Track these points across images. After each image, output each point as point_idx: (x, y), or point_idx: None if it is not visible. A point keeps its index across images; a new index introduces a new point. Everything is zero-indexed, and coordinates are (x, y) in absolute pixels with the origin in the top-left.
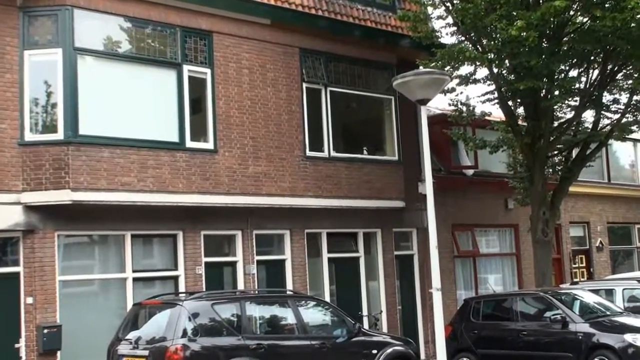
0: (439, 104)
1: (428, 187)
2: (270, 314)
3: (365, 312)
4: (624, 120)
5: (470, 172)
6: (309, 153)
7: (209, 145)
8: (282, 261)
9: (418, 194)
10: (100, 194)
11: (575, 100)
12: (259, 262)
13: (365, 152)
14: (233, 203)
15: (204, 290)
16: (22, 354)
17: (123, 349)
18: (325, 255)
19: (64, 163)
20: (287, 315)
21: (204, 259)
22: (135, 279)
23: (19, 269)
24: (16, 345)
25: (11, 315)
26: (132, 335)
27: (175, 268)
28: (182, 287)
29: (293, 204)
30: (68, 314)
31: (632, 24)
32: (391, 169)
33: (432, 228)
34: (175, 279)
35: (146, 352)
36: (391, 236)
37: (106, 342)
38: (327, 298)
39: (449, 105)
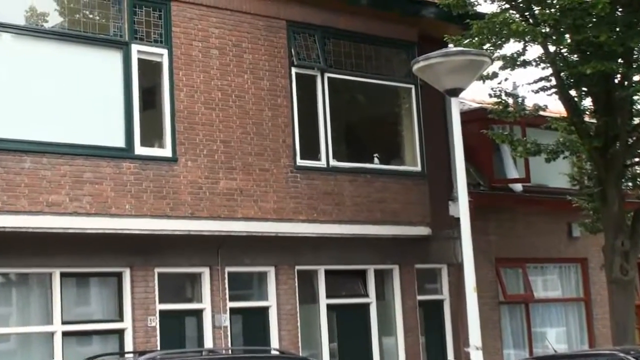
0: (476, 95)
1: (462, 208)
2: None
3: None
4: None
5: (520, 187)
6: (300, 162)
7: (166, 152)
8: (265, 309)
9: (449, 218)
10: (20, 217)
11: None
12: (233, 310)
13: (376, 160)
14: (198, 230)
15: (159, 349)
16: None
17: None
18: (324, 302)
19: None
20: None
21: (159, 307)
22: (65, 334)
23: None
24: None
25: None
26: None
27: (120, 318)
28: (129, 345)
29: (279, 230)
30: None
31: None
32: (412, 183)
33: (469, 264)
34: (121, 333)
35: None
36: (413, 275)
37: None
38: None
39: (490, 96)
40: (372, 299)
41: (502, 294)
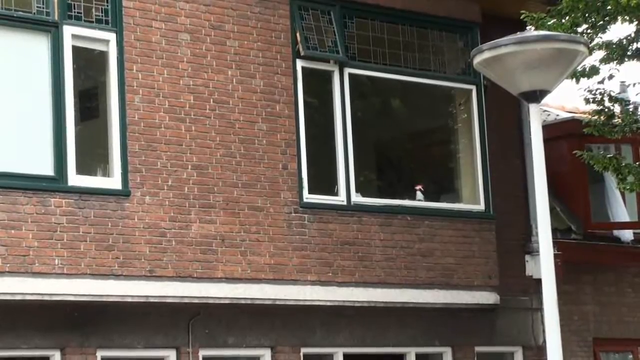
0: (567, 100)
1: (546, 266)
2: None
3: None
4: None
5: (630, 235)
6: (308, 198)
7: (114, 182)
8: None
9: (526, 279)
10: None
11: None
12: None
13: (420, 196)
14: (160, 296)
15: None
16: None
17: None
18: None
19: None
20: None
21: None
22: None
23: None
24: None
25: None
26: None
27: None
28: None
29: (278, 297)
30: None
31: None
32: (472, 229)
33: (555, 347)
34: None
35: None
36: None
37: None
38: None
39: (586, 102)
40: None
41: None
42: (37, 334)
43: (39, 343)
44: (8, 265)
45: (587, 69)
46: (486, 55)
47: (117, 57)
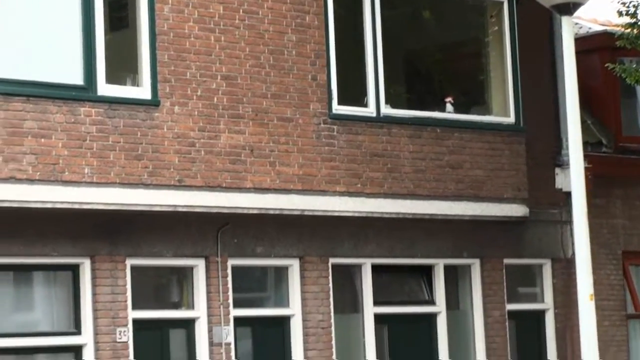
0: (599, 12)
1: (576, 179)
2: None
3: None
4: None
5: None
6: (338, 109)
7: (143, 92)
8: (285, 320)
9: (555, 192)
10: None
11: None
12: (238, 320)
13: (450, 108)
14: (189, 205)
15: None
16: None
17: None
18: (370, 310)
19: None
20: None
21: (133, 314)
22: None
23: None
24: None
25: None
26: None
27: (77, 330)
28: None
29: (307, 207)
30: None
31: None
32: (502, 141)
33: (584, 260)
34: (77, 351)
35: None
36: (501, 274)
37: None
38: None
39: (619, 14)
40: (440, 307)
41: (632, 304)
42: (67, 242)
43: (69, 251)
44: (38, 173)
45: None
46: None
47: None
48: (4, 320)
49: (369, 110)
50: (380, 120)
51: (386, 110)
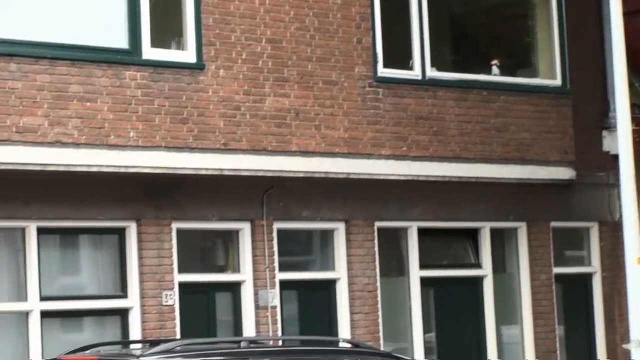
0: None
1: (623, 141)
2: None
3: None
4: None
5: None
6: (383, 72)
7: (188, 55)
8: (331, 283)
9: (602, 155)
10: None
11: None
12: (284, 284)
13: (496, 70)
14: (234, 169)
15: (179, 337)
16: None
17: None
18: (416, 274)
19: None
20: None
21: (179, 277)
22: (45, 314)
23: None
24: None
25: None
26: None
27: (124, 294)
28: (136, 331)
29: (352, 170)
30: None
31: None
32: (549, 104)
33: (632, 222)
34: (124, 314)
35: None
36: (547, 237)
37: None
38: (421, 357)
39: None
40: (486, 270)
41: None
42: (113, 206)
43: (115, 214)
44: (84, 137)
45: None
46: None
47: None
48: (51, 284)
49: (415, 73)
50: (425, 83)
51: (432, 73)
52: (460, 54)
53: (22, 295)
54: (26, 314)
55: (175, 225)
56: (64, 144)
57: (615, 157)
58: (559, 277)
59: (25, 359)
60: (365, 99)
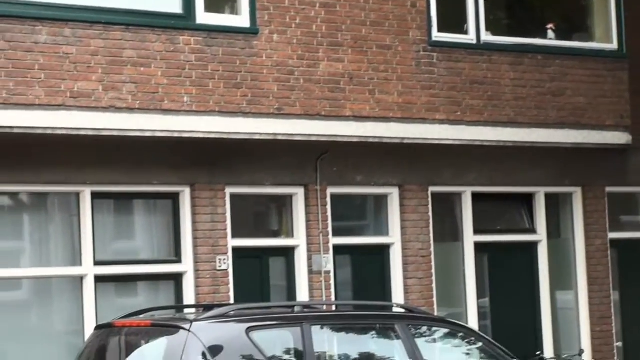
0: None
1: None
2: (360, 351)
3: (548, 352)
4: None
5: None
6: (437, 36)
7: (242, 20)
8: (384, 248)
9: None
10: (34, 114)
11: None
12: (338, 249)
13: (551, 34)
14: (288, 133)
15: (232, 301)
16: None
17: None
18: (470, 239)
19: None
20: (393, 355)
21: (232, 242)
22: (99, 278)
23: None
24: None
25: None
26: None
27: (177, 258)
28: (190, 296)
29: (407, 135)
30: None
31: None
32: (605, 68)
33: None
34: (178, 279)
35: None
36: (603, 202)
37: None
38: (475, 322)
39: None
40: (541, 235)
41: None
42: (167, 170)
43: (169, 179)
44: (138, 102)
45: None
46: None
47: None
48: (105, 249)
49: (469, 37)
50: (480, 48)
51: (487, 37)
52: (516, 18)
53: (76, 260)
54: (80, 279)
55: (228, 190)
56: (118, 109)
57: None
58: (614, 243)
59: (80, 323)
60: (419, 63)
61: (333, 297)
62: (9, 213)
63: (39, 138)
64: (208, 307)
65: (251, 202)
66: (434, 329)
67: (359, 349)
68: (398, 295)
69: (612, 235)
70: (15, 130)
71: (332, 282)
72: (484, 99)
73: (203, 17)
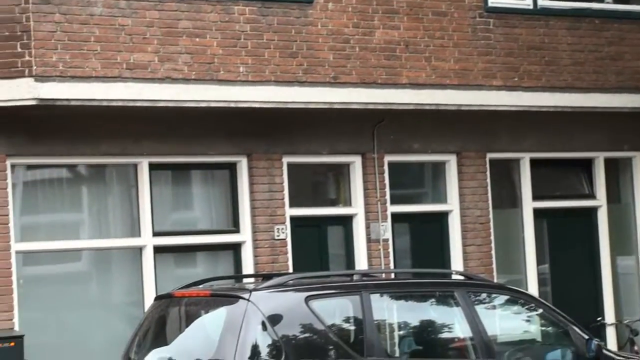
0: None
1: None
2: (419, 318)
3: (609, 318)
4: None
5: None
6: (493, 2)
7: None
8: (443, 216)
9: None
10: (90, 86)
11: None
12: (396, 217)
13: None
14: (344, 102)
15: (291, 270)
16: None
17: None
18: (529, 205)
19: (20, 27)
20: (453, 322)
21: (290, 212)
22: (158, 249)
23: None
24: None
25: None
26: (154, 357)
27: (236, 228)
28: (248, 265)
29: (463, 102)
30: (34, 315)
31: None
32: None
33: None
34: (236, 248)
35: None
36: None
37: None
38: (534, 289)
39: None
40: (600, 201)
41: None
42: (224, 141)
43: (226, 149)
44: (194, 73)
45: None
46: None
47: None
48: (163, 219)
49: (526, 3)
50: (537, 13)
51: (543, 2)
52: None
53: (135, 231)
54: (140, 250)
55: (286, 160)
56: (174, 80)
57: None
58: None
59: (140, 294)
60: (475, 29)
61: (392, 265)
62: (68, 185)
63: (95, 110)
64: (267, 277)
65: (308, 171)
66: (494, 296)
67: (418, 316)
68: (457, 263)
69: None
70: (73, 103)
71: (390, 250)
72: (542, 64)
73: None
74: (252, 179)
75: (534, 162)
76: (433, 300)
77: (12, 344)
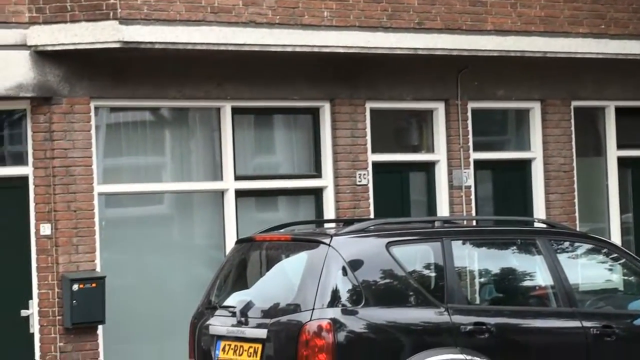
0: None
1: None
2: (501, 266)
3: None
4: None
5: None
6: None
7: None
8: (526, 163)
9: None
10: (174, 29)
11: None
12: (478, 164)
13: None
14: (428, 48)
15: (372, 216)
16: (34, 327)
17: (219, 325)
18: (613, 154)
19: None
20: (534, 270)
21: (372, 157)
22: (240, 193)
23: (26, 170)
24: (23, 313)
25: (14, 257)
26: (235, 301)
27: (317, 173)
28: (330, 210)
29: (549, 49)
30: (116, 257)
31: None
32: None
33: None
34: (318, 193)
35: (263, 334)
36: None
37: (187, 311)
38: (617, 238)
39: None
40: None
41: None
42: (307, 86)
43: (309, 94)
44: (278, 17)
45: None
46: None
47: None
48: (245, 163)
49: None
50: None
51: None
52: None
53: (217, 175)
54: (221, 193)
55: (369, 105)
56: (258, 24)
57: None
58: None
59: (221, 237)
60: None
61: (473, 212)
62: (151, 128)
63: (179, 53)
64: (348, 222)
65: (391, 117)
66: (576, 244)
67: (499, 264)
68: (539, 211)
69: None
70: (157, 46)
71: (472, 197)
72: (629, 11)
73: None
74: (334, 124)
75: (618, 111)
76: (514, 248)
77: (94, 284)
